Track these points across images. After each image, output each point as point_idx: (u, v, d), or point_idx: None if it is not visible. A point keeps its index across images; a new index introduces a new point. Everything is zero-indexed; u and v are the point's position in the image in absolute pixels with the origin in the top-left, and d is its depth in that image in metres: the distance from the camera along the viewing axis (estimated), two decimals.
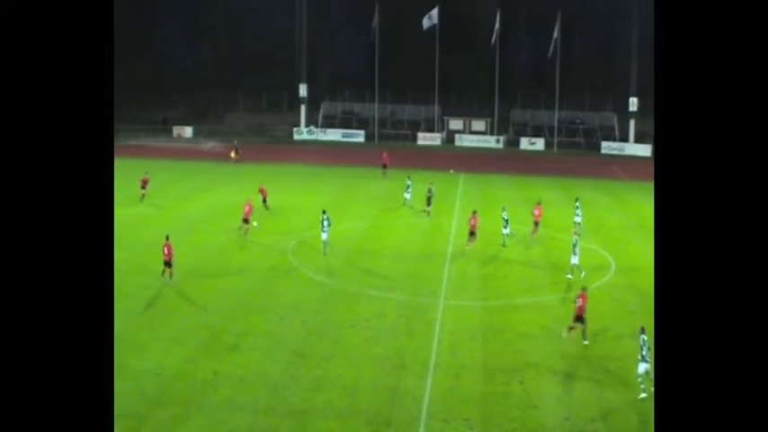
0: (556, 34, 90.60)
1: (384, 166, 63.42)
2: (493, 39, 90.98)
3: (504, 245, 39.49)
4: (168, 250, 31.54)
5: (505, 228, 39.54)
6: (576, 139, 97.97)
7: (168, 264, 31.51)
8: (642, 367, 22.26)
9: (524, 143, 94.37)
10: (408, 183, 51.17)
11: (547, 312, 29.54)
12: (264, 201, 46.48)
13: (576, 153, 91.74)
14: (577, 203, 44.37)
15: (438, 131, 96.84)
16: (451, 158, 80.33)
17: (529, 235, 41.63)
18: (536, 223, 41.73)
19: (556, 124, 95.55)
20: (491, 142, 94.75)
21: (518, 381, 22.81)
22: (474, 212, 39.41)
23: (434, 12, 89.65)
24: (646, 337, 22.51)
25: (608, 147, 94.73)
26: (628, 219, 49.71)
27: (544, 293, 32.12)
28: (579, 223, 42.36)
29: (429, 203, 47.63)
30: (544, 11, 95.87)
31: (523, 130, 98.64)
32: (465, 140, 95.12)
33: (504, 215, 39.81)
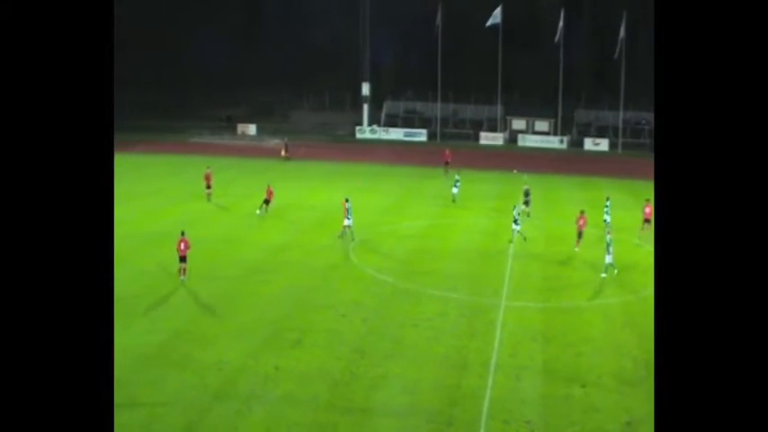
0: (622, 34, 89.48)
1: (446, 164, 63.49)
2: (557, 37, 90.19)
3: (511, 241, 39.30)
4: (184, 245, 31.81)
5: (516, 224, 39.63)
6: (642, 140, 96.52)
7: (183, 259, 31.74)
8: (608, 258, 33.22)
9: (588, 144, 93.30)
10: (457, 178, 52.45)
11: (609, 315, 29.26)
12: (267, 201, 46.06)
13: (641, 154, 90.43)
14: (608, 203, 43.98)
15: (501, 131, 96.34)
16: (514, 158, 79.82)
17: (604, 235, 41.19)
18: (646, 221, 41.28)
19: (620, 125, 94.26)
20: (554, 142, 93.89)
21: (580, 384, 22.62)
22: (582, 212, 39.70)
23: (498, 10, 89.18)
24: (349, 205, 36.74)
25: None
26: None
27: (607, 296, 31.77)
28: (608, 222, 41.94)
29: (527, 204, 47.41)
30: (609, 10, 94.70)
31: (587, 131, 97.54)
32: (528, 140, 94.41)
33: (516, 212, 40.14)
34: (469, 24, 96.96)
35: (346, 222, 39.43)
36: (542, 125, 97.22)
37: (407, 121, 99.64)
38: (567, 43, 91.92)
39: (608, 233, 36.06)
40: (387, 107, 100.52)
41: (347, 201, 39.79)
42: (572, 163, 79.18)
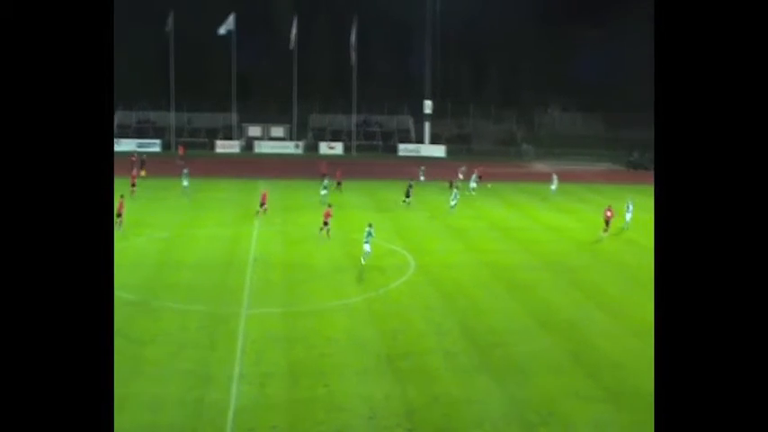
0: (353, 39, 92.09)
1: (324, 174, 63.30)
2: (291, 44, 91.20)
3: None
4: None
5: (366, 243, 38.20)
6: (374, 142, 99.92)
7: None
8: (366, 247, 36.29)
9: (323, 148, 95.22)
10: (325, 183, 56.14)
11: (352, 314, 29.88)
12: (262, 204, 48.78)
13: (374, 156, 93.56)
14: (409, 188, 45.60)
15: (236, 139, 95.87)
16: (251, 165, 79.74)
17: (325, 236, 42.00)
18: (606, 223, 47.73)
19: (354, 128, 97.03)
20: (290, 148, 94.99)
21: (323, 384, 22.88)
22: (609, 206, 48.06)
23: (231, 17, 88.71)
24: (372, 230, 36.92)
25: (404, 149, 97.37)
26: (423, 217, 51.25)
27: (349, 295, 32.45)
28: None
29: (408, 195, 55.44)
30: (341, 16, 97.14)
31: (322, 135, 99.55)
32: (264, 147, 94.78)
33: (367, 231, 38.32)
34: (203, 31, 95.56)
35: (366, 248, 37.45)
36: (278, 131, 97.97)
37: (141, 131, 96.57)
38: (302, 49, 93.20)
39: (369, 227, 37.90)
40: (118, 117, 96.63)
41: (370, 225, 38.25)
42: (309, 167, 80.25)
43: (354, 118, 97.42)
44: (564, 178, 72.38)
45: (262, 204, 49.08)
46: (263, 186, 52.67)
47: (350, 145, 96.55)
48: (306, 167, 79.62)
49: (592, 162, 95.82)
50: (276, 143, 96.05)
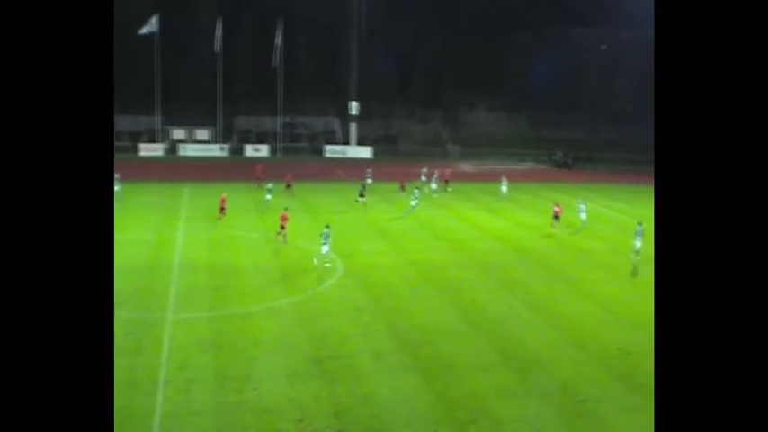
0: (278, 41, 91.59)
1: (259, 179, 63.95)
2: (215, 46, 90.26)
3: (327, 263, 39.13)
4: None
5: (325, 243, 38.13)
6: (300, 144, 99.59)
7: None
8: (324, 248, 36.87)
9: (249, 150, 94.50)
10: (269, 187, 55.98)
11: (280, 317, 29.70)
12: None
13: (300, 158, 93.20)
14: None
15: (160, 142, 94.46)
16: (175, 169, 78.68)
17: (276, 238, 41.64)
18: (555, 217, 49.43)
19: (279, 130, 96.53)
20: (215, 150, 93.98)
21: (251, 388, 22.68)
22: (556, 203, 50.84)
23: (154, 18, 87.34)
24: (328, 231, 37.16)
25: (331, 150, 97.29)
26: (354, 219, 51.27)
27: (277, 298, 32.24)
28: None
29: (362, 195, 56.84)
30: (266, 18, 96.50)
31: (248, 137, 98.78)
32: (189, 150, 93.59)
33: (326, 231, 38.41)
34: (124, 32, 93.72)
35: (325, 249, 37.85)
36: (203, 134, 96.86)
37: None
38: (227, 51, 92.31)
39: (327, 227, 38.51)
40: None
41: (327, 227, 38.69)
42: (235, 170, 79.56)
43: (280, 120, 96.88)
44: (489, 178, 73.30)
45: (222, 209, 49.08)
46: (222, 191, 52.06)
47: (276, 147, 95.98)
48: (232, 170, 78.93)
49: (516, 161, 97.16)
50: (201, 146, 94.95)
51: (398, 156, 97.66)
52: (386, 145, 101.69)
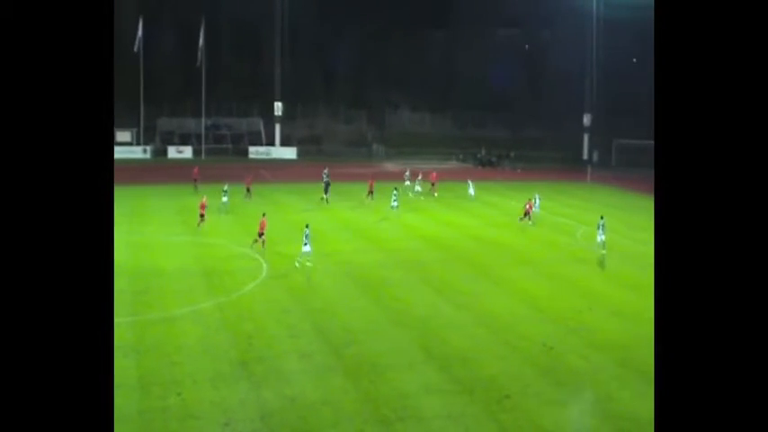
0: (201, 41, 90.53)
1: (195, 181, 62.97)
2: (136, 47, 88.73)
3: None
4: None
5: (305, 245, 38.32)
6: (224, 146, 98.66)
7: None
8: (306, 248, 37.61)
9: (172, 152, 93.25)
10: (225, 189, 54.62)
11: (204, 320, 29.34)
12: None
13: (224, 159, 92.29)
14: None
15: None
16: None
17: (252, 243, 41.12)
18: (526, 213, 51.78)
19: (203, 131, 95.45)
20: (138, 152, 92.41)
21: (176, 393, 22.35)
22: (529, 200, 52.95)
23: None
24: (308, 231, 37.94)
25: (255, 151, 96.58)
26: (280, 219, 50.97)
27: (200, 301, 31.84)
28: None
29: (326, 192, 59.51)
30: (189, 18, 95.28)
31: (171, 139, 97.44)
32: None
33: (306, 232, 38.75)
34: None
35: (307, 249, 38.48)
36: (124, 135, 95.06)
37: None
38: (148, 52, 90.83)
39: (306, 226, 39.10)
40: None
41: (307, 226, 39.17)
42: (158, 172, 78.38)
43: (204, 121, 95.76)
44: (414, 177, 73.63)
45: (201, 216, 46.94)
46: (203, 196, 50.84)
47: (199, 149, 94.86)
48: (155, 172, 77.73)
49: (441, 160, 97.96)
50: (123, 148, 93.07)
51: (324, 156, 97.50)
52: (310, 145, 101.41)
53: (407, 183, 67.08)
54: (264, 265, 37.82)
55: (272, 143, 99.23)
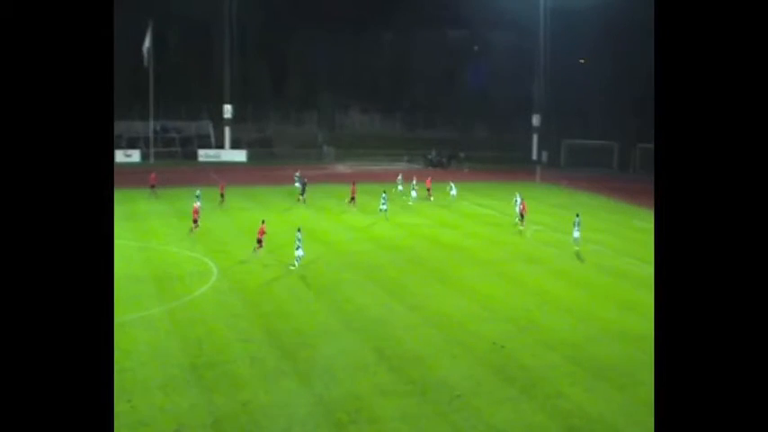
0: (148, 43, 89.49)
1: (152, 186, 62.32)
2: None
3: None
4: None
5: (298, 249, 38.61)
6: (173, 149, 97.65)
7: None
8: (299, 252, 37.89)
9: (120, 156, 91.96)
10: (198, 194, 52.26)
11: (153, 325, 28.96)
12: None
13: (173, 163, 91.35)
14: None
15: None
16: None
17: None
18: (521, 215, 51.66)
19: (151, 135, 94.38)
20: None
21: (125, 400, 22.02)
22: (522, 200, 52.79)
23: None
24: (301, 235, 38.33)
25: (205, 154, 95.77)
26: (229, 223, 50.64)
27: (150, 307, 31.45)
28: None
29: (303, 193, 60.90)
30: (136, 19, 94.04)
31: (118, 143, 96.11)
32: None
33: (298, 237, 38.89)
34: None
35: (300, 253, 38.54)
36: None
37: None
38: None
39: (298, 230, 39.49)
40: None
41: (299, 230, 39.37)
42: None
43: (152, 124, 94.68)
44: (365, 178, 73.71)
45: (195, 221, 46.65)
46: (194, 202, 50.04)
47: (147, 152, 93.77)
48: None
49: (391, 162, 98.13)
50: None
51: (274, 159, 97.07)
52: (261, 148, 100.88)
53: (400, 188, 66.06)
54: (215, 270, 37.50)
55: (221, 146, 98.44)
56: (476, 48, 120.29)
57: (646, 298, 33.88)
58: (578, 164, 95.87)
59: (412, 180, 65.58)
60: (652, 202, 53.48)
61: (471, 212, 59.58)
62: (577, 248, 44.71)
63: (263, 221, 41.89)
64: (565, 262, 42.30)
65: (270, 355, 26.00)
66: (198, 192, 53.37)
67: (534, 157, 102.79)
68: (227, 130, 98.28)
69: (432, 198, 64.25)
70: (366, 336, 28.36)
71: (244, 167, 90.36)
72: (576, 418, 21.68)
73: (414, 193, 63.87)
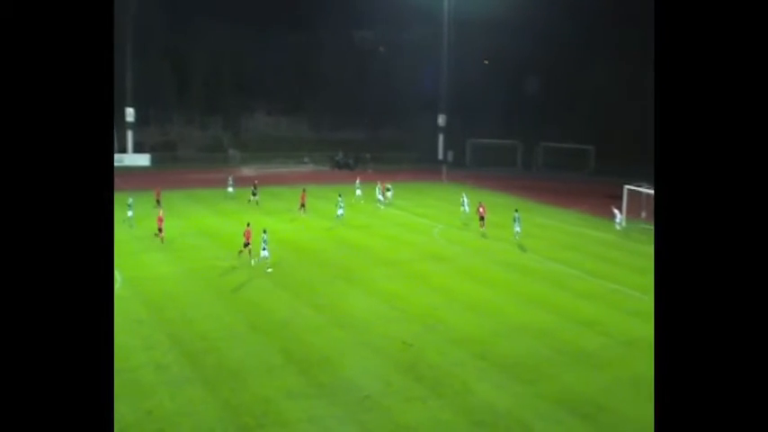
0: None
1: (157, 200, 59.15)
2: None
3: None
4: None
5: (264, 249, 39.27)
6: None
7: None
8: (264, 253, 38.67)
9: None
10: (130, 202, 51.32)
11: None
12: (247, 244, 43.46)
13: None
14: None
15: None
16: None
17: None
18: (481, 218, 50.75)
19: None
20: None
21: None
22: (480, 203, 52.53)
23: None
24: (266, 236, 39.09)
25: None
26: (124, 230, 49.56)
27: None
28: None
29: (254, 194, 61.22)
30: None
31: None
32: None
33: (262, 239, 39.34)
34: None
35: (265, 254, 39.01)
36: None
37: None
38: None
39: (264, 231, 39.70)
40: None
41: (264, 231, 40.37)
42: None
43: None
44: (269, 181, 73.24)
45: (160, 229, 45.99)
46: (159, 210, 49.26)
47: None
48: None
49: (297, 164, 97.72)
50: None
51: (178, 162, 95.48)
52: (164, 152, 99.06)
53: (359, 192, 65.29)
54: (119, 277, 36.59)
55: (123, 150, 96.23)
56: (381, 48, 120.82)
57: (549, 293, 34.58)
58: (484, 163, 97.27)
59: (385, 185, 65.22)
60: (555, 199, 54.97)
61: (378, 213, 59.79)
62: (518, 240, 47.95)
63: (248, 224, 41.67)
64: (468, 259, 42.80)
65: (174, 362, 25.49)
66: (130, 200, 51.73)
67: (440, 156, 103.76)
68: (129, 134, 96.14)
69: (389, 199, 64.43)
70: (272, 338, 28.10)
71: (147, 172, 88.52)
72: (485, 414, 21.94)
73: (380, 197, 63.43)
